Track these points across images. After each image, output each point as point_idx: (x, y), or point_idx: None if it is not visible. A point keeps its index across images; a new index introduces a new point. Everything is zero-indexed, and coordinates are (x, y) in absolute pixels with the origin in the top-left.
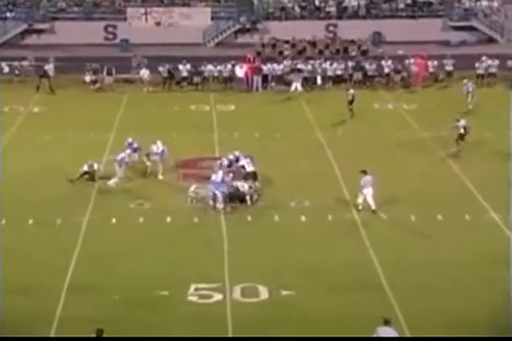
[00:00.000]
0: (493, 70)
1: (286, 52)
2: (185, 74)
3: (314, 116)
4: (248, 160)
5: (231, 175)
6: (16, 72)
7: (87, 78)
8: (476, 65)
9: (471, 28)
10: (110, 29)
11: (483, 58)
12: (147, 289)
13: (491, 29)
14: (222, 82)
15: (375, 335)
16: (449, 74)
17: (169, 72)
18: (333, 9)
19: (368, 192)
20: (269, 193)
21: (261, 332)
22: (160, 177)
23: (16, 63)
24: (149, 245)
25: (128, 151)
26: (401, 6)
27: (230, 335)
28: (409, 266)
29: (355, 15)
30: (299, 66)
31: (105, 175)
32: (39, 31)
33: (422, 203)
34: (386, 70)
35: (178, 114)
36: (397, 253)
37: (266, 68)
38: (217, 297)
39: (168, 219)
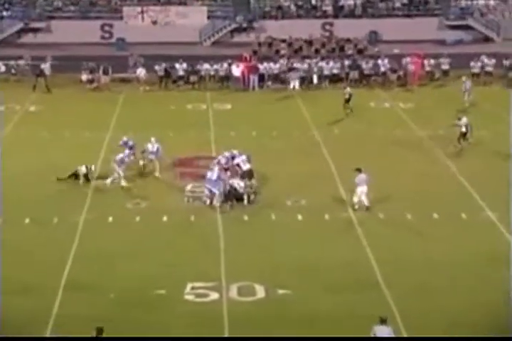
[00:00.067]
0: (489, 69)
1: (282, 51)
2: (181, 73)
3: (311, 114)
4: (244, 158)
5: (228, 173)
6: (13, 71)
7: (84, 77)
8: (471, 63)
9: (467, 27)
10: (106, 28)
11: (483, 57)
12: (144, 288)
13: (487, 28)
14: (219, 80)
15: (371, 334)
16: (445, 73)
17: (166, 70)
18: (329, 8)
19: (362, 190)
20: (266, 192)
21: (257, 331)
22: (157, 174)
23: (12, 62)
24: (146, 244)
25: (127, 152)
26: (397, 4)
27: (226, 334)
28: (405, 265)
29: (351, 14)
30: (296, 65)
31: (101, 175)
32: (35, 30)
33: (418, 202)
34: (382, 69)
35: (174, 113)
36: (394, 251)
37: (262, 67)
38: (214, 296)
39: (165, 218)
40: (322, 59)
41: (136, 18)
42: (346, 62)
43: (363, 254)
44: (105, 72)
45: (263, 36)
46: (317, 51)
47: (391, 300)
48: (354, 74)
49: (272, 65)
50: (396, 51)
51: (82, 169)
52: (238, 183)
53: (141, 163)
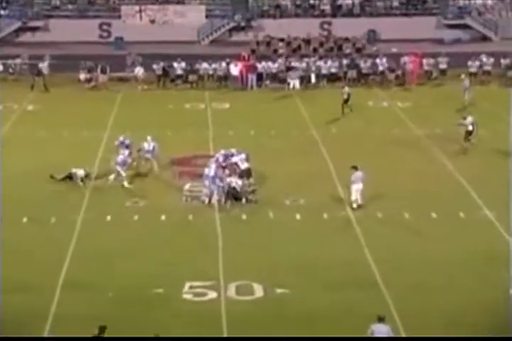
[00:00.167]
0: (488, 68)
1: (280, 50)
2: (179, 72)
3: (309, 113)
4: (243, 157)
5: (226, 171)
6: (10, 70)
7: (82, 76)
8: (469, 63)
9: (465, 26)
10: (105, 27)
11: (482, 56)
12: (142, 286)
13: (485, 27)
14: (217, 80)
15: (369, 332)
16: (442, 72)
17: (164, 70)
18: (327, 7)
19: (358, 188)
20: (264, 191)
21: (256, 330)
22: (156, 169)
23: (10, 61)
24: (144, 243)
25: (126, 152)
26: (395, 4)
27: (224, 333)
28: (403, 264)
29: (349, 13)
30: (294, 64)
31: (99, 175)
32: (33, 29)
33: (416, 201)
34: (380, 68)
35: (172, 112)
36: (392, 250)
37: (260, 66)
38: (212, 295)
39: (163, 217)
40: (320, 58)
41: (134, 17)
42: (344, 61)
43: (361, 253)
44: (103, 71)
45: (261, 35)
46: (315, 50)
47: (389, 299)
48: (352, 74)
49: (270, 64)
50: (394, 50)
51: (79, 172)
52: (236, 182)
53: (134, 163)
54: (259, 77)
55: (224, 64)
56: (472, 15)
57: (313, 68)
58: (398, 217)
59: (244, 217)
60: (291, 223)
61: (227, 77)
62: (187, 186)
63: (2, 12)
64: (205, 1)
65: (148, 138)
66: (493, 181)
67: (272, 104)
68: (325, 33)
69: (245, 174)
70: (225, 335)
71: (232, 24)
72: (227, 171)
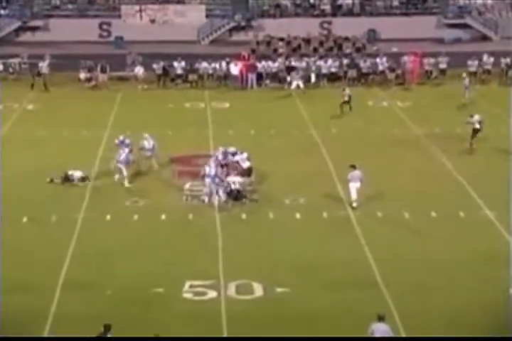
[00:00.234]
0: (488, 67)
1: (280, 50)
2: (179, 71)
3: (309, 113)
4: (245, 156)
5: (226, 169)
6: (10, 69)
7: (82, 76)
8: (469, 62)
9: (465, 26)
10: (105, 26)
11: (484, 55)
12: (142, 286)
13: (485, 27)
14: (217, 79)
15: (369, 331)
16: (442, 71)
17: (164, 69)
18: (327, 7)
19: (354, 187)
20: (264, 190)
21: (256, 330)
22: (155, 166)
23: (10, 61)
24: (144, 242)
25: (127, 150)
26: (395, 3)
27: (224, 332)
28: (403, 264)
29: (349, 12)
30: (294, 63)
31: (99, 175)
32: (33, 28)
33: (416, 200)
34: (381, 68)
35: (172, 112)
36: (392, 250)
37: (260, 66)
38: (212, 294)
39: (163, 217)
40: (320, 57)
41: (134, 16)
42: (344, 61)
43: (361, 253)
44: (103, 71)
45: (261, 35)
46: (315, 50)
47: (389, 298)
48: (352, 73)
49: (270, 63)
50: (394, 50)
51: (76, 174)
52: (237, 182)
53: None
54: (259, 77)
55: (224, 63)
56: (472, 14)
57: (313, 68)
58: (398, 217)
59: (244, 216)
60: (291, 222)
61: (227, 76)
62: (187, 185)
63: (2, 12)
64: (206, 1)
65: (146, 135)
66: (494, 180)
67: (271, 104)
68: (325, 32)
69: (246, 173)
70: (224, 334)
71: (232, 24)
72: (225, 169)
